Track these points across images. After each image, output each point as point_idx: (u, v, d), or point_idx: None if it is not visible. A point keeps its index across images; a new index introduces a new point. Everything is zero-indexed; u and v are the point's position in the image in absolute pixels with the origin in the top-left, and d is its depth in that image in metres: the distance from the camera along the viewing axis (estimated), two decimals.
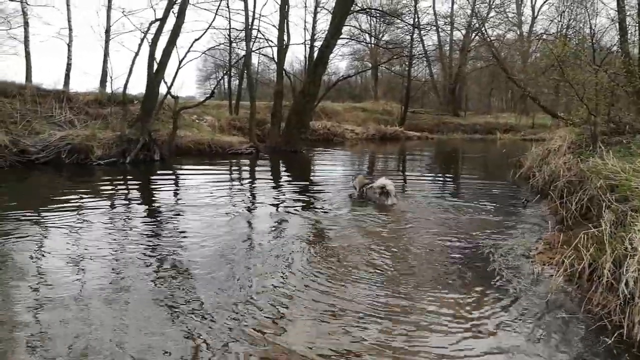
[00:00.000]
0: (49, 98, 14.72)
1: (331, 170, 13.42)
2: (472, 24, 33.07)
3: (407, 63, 31.82)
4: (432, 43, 37.89)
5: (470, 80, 38.65)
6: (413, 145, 24.02)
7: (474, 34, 33.72)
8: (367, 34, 34.29)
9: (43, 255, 5.08)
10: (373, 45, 34.08)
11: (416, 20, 31.29)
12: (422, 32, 33.31)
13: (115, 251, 5.21)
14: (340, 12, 17.30)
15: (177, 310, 3.72)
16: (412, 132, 28.23)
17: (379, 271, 4.66)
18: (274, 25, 21.67)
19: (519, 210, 7.76)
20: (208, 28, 16.93)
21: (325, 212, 7.41)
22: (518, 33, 35.55)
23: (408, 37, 32.17)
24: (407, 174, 13.59)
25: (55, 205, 7.64)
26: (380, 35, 35.74)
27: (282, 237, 5.94)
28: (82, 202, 7.96)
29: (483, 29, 24.98)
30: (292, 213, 7.32)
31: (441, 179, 12.52)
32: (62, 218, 6.68)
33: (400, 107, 31.12)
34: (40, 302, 3.82)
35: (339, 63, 53.67)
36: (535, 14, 36.91)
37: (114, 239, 5.69)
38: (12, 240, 5.53)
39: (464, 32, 35.56)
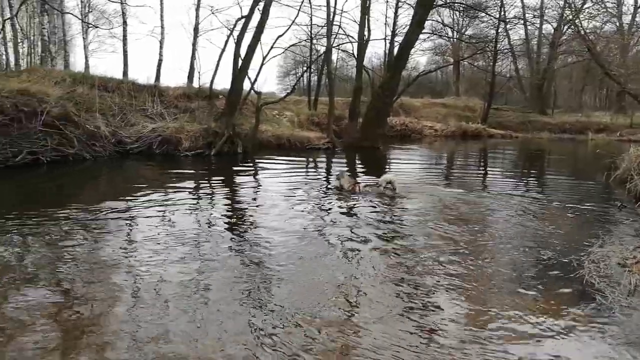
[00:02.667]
0: (143, 92, 15.84)
1: (408, 167, 13.20)
2: (565, 16, 30.99)
3: (491, 58, 30.52)
4: (518, 37, 36.12)
5: (560, 77, 36.36)
6: (496, 144, 23.07)
7: (566, 27, 31.62)
8: (449, 29, 33.32)
9: (130, 244, 5.41)
10: (455, 39, 33.07)
11: (502, 13, 29.92)
12: (508, 25, 31.76)
13: (196, 242, 5.42)
14: (422, 6, 16.96)
15: (251, 307, 3.83)
16: (495, 130, 27.09)
17: (458, 279, 4.52)
18: (354, 21, 21.67)
19: (613, 215, 7.24)
20: (291, 24, 17.28)
21: (401, 213, 7.32)
22: (617, 25, 32.85)
23: (493, 31, 30.77)
24: (489, 173, 13.16)
25: (146, 193, 8.23)
26: (463, 29, 34.62)
27: (355, 238, 5.85)
28: (170, 193, 8.47)
29: (577, 21, 23.28)
30: (368, 212, 7.26)
31: (525, 178, 11.96)
32: (151, 208, 7.17)
33: (482, 104, 29.99)
34: (122, 290, 4.07)
35: (420, 58, 52.49)
36: (639, 3, 33.95)
37: (197, 232, 5.93)
38: (103, 231, 5.91)
39: (554, 24, 33.52)
